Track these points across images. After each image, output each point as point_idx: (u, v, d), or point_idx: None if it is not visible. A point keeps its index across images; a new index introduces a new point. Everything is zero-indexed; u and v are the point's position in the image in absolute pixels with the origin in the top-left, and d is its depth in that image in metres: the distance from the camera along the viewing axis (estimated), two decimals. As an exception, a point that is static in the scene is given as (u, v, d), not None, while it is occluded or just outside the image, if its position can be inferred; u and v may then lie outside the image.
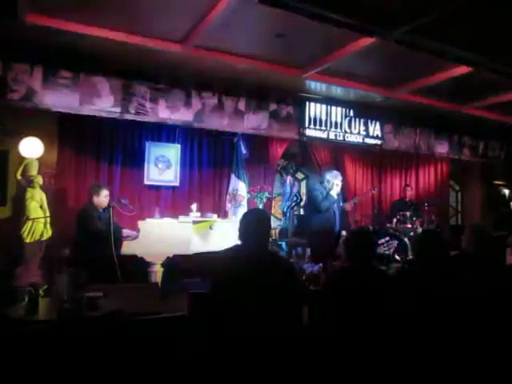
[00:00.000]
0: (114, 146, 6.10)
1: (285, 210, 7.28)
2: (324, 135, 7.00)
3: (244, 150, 6.67)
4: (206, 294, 2.48)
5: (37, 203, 5.23)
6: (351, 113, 7.23)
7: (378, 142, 7.52)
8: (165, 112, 5.84)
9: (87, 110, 5.38)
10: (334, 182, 5.52)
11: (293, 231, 6.76)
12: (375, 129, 7.47)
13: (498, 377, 2.57)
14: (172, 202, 6.47)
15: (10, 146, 5.36)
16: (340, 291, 2.73)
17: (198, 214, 5.87)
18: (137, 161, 6.25)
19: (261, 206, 6.51)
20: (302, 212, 7.54)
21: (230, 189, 6.58)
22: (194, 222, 5.60)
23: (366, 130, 7.38)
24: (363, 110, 7.30)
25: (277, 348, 2.24)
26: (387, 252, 6.46)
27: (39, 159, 5.34)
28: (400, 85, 6.32)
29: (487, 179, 9.46)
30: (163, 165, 6.32)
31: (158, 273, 5.24)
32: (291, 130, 6.82)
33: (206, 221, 5.77)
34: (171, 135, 6.47)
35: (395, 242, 6.56)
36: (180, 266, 5.55)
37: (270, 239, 7.19)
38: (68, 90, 5.25)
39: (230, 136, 6.71)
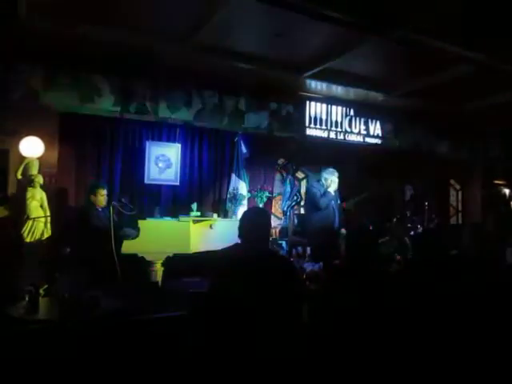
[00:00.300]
0: (114, 146, 6.10)
1: (285, 209, 7.28)
2: (324, 134, 7.00)
3: (244, 150, 6.67)
4: (205, 292, 2.49)
5: (37, 202, 5.23)
6: (351, 112, 7.24)
7: (379, 141, 7.52)
8: (165, 111, 5.84)
9: (87, 110, 5.39)
10: (330, 179, 5.54)
11: (293, 230, 6.76)
12: (376, 128, 7.47)
13: (498, 376, 2.57)
14: (172, 201, 6.47)
15: (11, 146, 5.36)
16: (341, 291, 2.73)
17: (199, 214, 5.87)
18: (137, 160, 6.25)
19: (261, 206, 6.51)
20: (302, 211, 7.54)
21: (231, 188, 6.58)
22: (195, 222, 5.59)
23: (367, 129, 7.38)
24: (364, 110, 7.30)
25: (276, 347, 2.24)
26: (387, 252, 6.46)
27: (40, 159, 5.34)
28: (400, 84, 6.32)
29: (487, 179, 9.46)
30: (163, 164, 6.32)
31: (158, 272, 5.23)
32: (291, 129, 6.82)
33: (206, 220, 5.77)
34: (171, 134, 6.47)
35: (395, 242, 6.56)
36: (180, 265, 5.56)
37: (271, 238, 7.21)
38: (68, 89, 5.25)
39: (230, 135, 6.71)
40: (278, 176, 7.76)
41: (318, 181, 5.70)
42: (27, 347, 2.26)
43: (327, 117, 7.01)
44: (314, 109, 6.92)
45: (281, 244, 6.89)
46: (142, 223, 5.33)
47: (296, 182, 7.90)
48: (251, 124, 6.47)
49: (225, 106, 6.26)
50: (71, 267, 3.18)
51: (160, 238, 5.25)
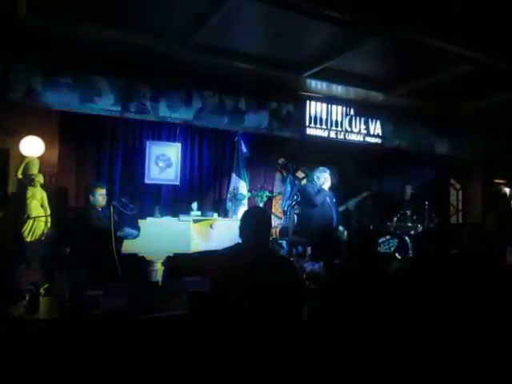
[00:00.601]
0: (114, 145, 6.10)
1: (285, 208, 7.28)
2: (324, 134, 7.00)
3: (244, 149, 6.67)
4: (206, 292, 2.49)
5: (37, 202, 5.23)
6: (352, 111, 7.23)
7: (379, 140, 7.52)
8: (165, 111, 5.85)
9: (88, 109, 5.39)
10: (323, 177, 5.59)
11: (293, 230, 6.76)
12: (376, 127, 7.47)
13: (498, 376, 2.57)
14: (172, 200, 6.47)
15: (11, 145, 5.36)
16: (341, 290, 2.74)
17: (199, 213, 5.87)
18: (137, 160, 6.25)
19: (261, 205, 6.51)
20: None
21: (231, 188, 6.58)
22: (195, 221, 5.60)
23: (367, 128, 7.38)
24: (364, 109, 7.30)
25: (276, 347, 2.24)
26: (388, 251, 6.47)
27: (40, 158, 5.34)
28: (400, 83, 6.31)
29: (488, 178, 9.45)
30: (164, 164, 6.32)
31: (158, 271, 5.24)
32: (292, 128, 6.82)
33: (206, 220, 5.77)
34: (172, 134, 6.47)
35: (395, 241, 6.57)
36: (180, 264, 5.56)
37: (271, 238, 7.24)
38: (68, 88, 5.25)
39: (230, 135, 6.71)
40: (278, 175, 7.76)
41: (311, 181, 5.76)
42: (27, 347, 2.26)
43: (327, 116, 7.01)
44: (314, 108, 6.91)
45: (281, 244, 6.89)
46: (142, 223, 5.33)
47: (296, 182, 7.90)
48: (251, 123, 6.47)
49: (225, 105, 6.26)
50: (71, 266, 3.18)
51: (160, 237, 5.26)
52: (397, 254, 6.44)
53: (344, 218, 6.96)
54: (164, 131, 6.43)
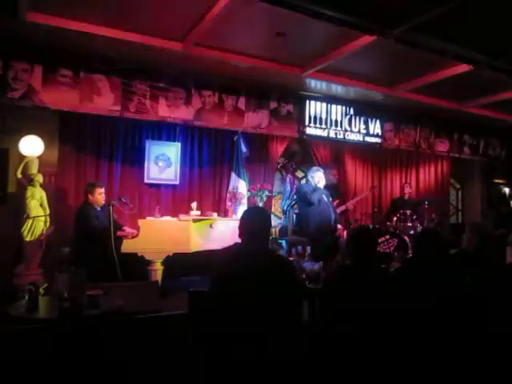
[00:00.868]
0: (114, 145, 6.10)
1: (285, 208, 7.28)
2: (324, 133, 7.00)
3: (244, 149, 6.67)
4: (205, 292, 2.49)
5: (37, 201, 5.23)
6: (351, 111, 7.24)
7: (379, 140, 7.52)
8: (165, 110, 5.84)
9: (87, 109, 5.39)
10: (317, 176, 5.60)
11: (292, 229, 6.76)
12: (375, 127, 7.47)
13: (498, 376, 2.57)
14: (172, 200, 6.46)
15: (10, 145, 5.36)
16: (341, 290, 2.74)
17: (199, 213, 5.87)
18: (137, 159, 6.25)
19: (261, 205, 6.51)
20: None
21: (230, 187, 6.58)
22: (194, 221, 5.60)
23: (367, 128, 7.38)
24: (363, 109, 7.30)
25: (277, 346, 2.24)
26: (387, 250, 6.47)
27: (39, 157, 5.34)
28: (400, 83, 6.32)
29: (488, 177, 9.46)
30: (163, 163, 6.32)
31: (158, 271, 5.24)
32: (291, 128, 6.82)
33: (206, 219, 5.77)
34: (171, 134, 6.47)
35: (395, 241, 6.57)
36: (180, 264, 5.56)
37: (270, 237, 7.21)
38: (68, 88, 5.25)
39: (230, 134, 6.71)
40: (277, 175, 7.76)
41: (307, 181, 5.77)
42: (27, 346, 2.26)
43: (327, 116, 7.01)
44: (314, 108, 6.92)
45: (281, 243, 6.89)
46: (141, 222, 5.33)
47: (296, 181, 7.91)
48: (251, 123, 6.47)
49: (224, 105, 6.26)
50: (71, 266, 3.17)
51: (160, 237, 5.25)
52: (396, 254, 6.44)
53: (344, 217, 6.97)
54: (164, 131, 6.42)
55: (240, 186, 6.55)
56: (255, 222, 2.49)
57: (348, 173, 7.95)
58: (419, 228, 6.85)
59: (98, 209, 5.12)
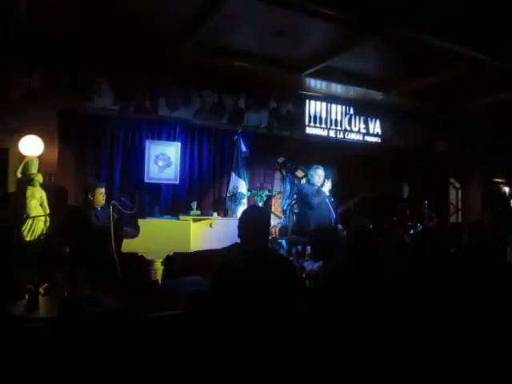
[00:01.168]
0: (114, 144, 6.09)
1: (285, 208, 7.27)
2: (324, 133, 7.01)
3: (244, 148, 6.67)
4: (205, 292, 2.49)
5: (37, 201, 5.23)
6: (351, 110, 7.24)
7: (378, 139, 7.53)
8: (164, 110, 5.84)
9: (87, 108, 5.39)
10: (316, 175, 5.59)
11: (292, 229, 6.76)
12: (375, 126, 7.48)
13: (498, 376, 2.57)
14: (172, 200, 6.47)
15: (11, 145, 5.36)
16: (340, 289, 2.74)
17: (198, 212, 5.88)
18: (137, 159, 6.24)
19: (261, 204, 6.52)
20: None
21: (230, 187, 6.58)
22: (194, 220, 5.60)
23: (366, 127, 7.39)
24: (363, 108, 7.30)
25: (276, 346, 2.24)
26: (387, 250, 6.45)
27: (39, 157, 5.34)
28: (400, 82, 6.31)
29: (487, 177, 9.46)
30: (163, 163, 6.32)
31: (158, 271, 5.24)
32: (291, 127, 6.82)
33: (206, 219, 5.77)
34: (171, 133, 6.46)
35: (395, 241, 6.55)
36: (180, 263, 5.56)
37: (270, 237, 7.21)
38: (68, 87, 5.25)
39: (230, 134, 6.71)
40: (277, 174, 7.76)
41: (309, 180, 5.75)
42: (27, 346, 2.26)
43: (327, 115, 7.02)
44: (314, 107, 6.92)
45: (280, 243, 6.88)
46: (141, 222, 5.34)
47: (296, 181, 7.90)
48: (251, 122, 6.47)
49: (224, 104, 6.26)
50: (71, 266, 3.18)
51: (160, 236, 5.26)
52: (396, 254, 6.43)
53: (343, 217, 6.96)
54: (163, 130, 6.42)
55: (240, 185, 6.55)
56: (254, 221, 2.49)
57: (348, 173, 7.93)
58: (419, 228, 6.84)
59: (99, 208, 5.12)
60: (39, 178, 5.28)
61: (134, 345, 2.46)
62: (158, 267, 5.26)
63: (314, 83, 6.40)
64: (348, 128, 7.19)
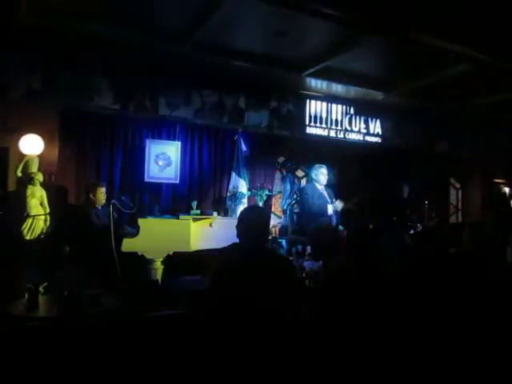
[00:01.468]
0: (114, 144, 6.09)
1: (285, 207, 7.27)
2: (324, 133, 7.01)
3: (244, 148, 6.67)
4: (205, 291, 2.48)
5: (37, 200, 5.23)
6: (352, 110, 7.24)
7: (379, 139, 7.52)
8: (165, 109, 5.84)
9: (87, 107, 5.38)
10: (320, 174, 5.58)
11: (292, 229, 6.76)
12: (376, 126, 7.47)
13: (498, 376, 2.57)
14: (172, 199, 6.47)
15: (11, 143, 5.36)
16: (340, 289, 2.74)
17: (198, 212, 5.87)
18: (137, 158, 6.24)
19: (261, 204, 6.52)
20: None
21: (230, 186, 6.58)
22: (194, 220, 5.60)
23: (367, 127, 7.39)
24: (364, 108, 7.30)
25: (276, 346, 2.24)
26: (387, 250, 6.45)
27: (40, 156, 5.34)
28: (401, 82, 6.31)
29: (488, 177, 9.45)
30: (163, 162, 6.32)
31: (158, 270, 5.23)
32: (291, 127, 6.82)
33: (206, 218, 5.77)
34: (171, 133, 6.46)
35: (395, 241, 6.55)
36: (180, 263, 5.55)
37: (270, 237, 7.20)
38: (68, 87, 5.25)
39: (230, 133, 6.71)
40: (277, 174, 7.76)
41: (311, 180, 5.73)
42: (26, 345, 2.26)
43: (327, 115, 7.02)
44: (314, 107, 6.92)
45: (280, 242, 6.88)
46: (141, 221, 5.33)
47: (296, 181, 7.90)
48: (251, 122, 6.47)
49: (225, 103, 6.26)
50: (71, 265, 3.18)
51: (160, 236, 5.25)
52: (396, 254, 6.43)
53: (344, 217, 6.96)
54: (164, 130, 6.42)
55: (240, 185, 6.55)
56: (253, 221, 2.48)
57: (348, 172, 7.94)
58: (419, 228, 6.84)
59: (99, 208, 5.13)
60: (39, 177, 5.28)
61: (133, 344, 2.46)
62: (158, 266, 5.25)
63: (315, 83, 6.39)
64: (348, 128, 7.19)
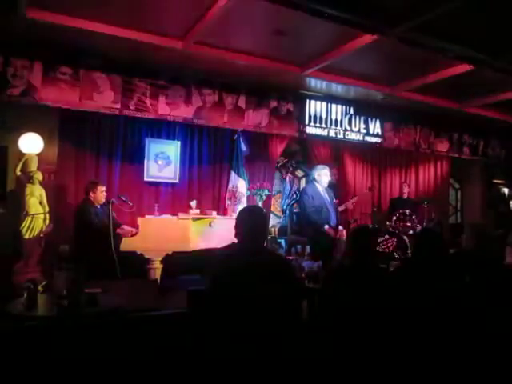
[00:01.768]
0: (113, 143, 6.09)
1: (284, 207, 7.27)
2: (324, 133, 7.00)
3: (244, 147, 6.67)
4: (204, 290, 2.48)
5: (36, 199, 5.23)
6: (351, 110, 7.23)
7: (378, 139, 7.52)
8: (165, 108, 5.84)
9: (87, 106, 5.37)
10: (323, 174, 5.55)
11: (292, 229, 6.76)
12: (375, 126, 7.47)
13: (497, 376, 2.57)
14: (171, 198, 6.46)
15: (10, 142, 5.36)
16: (340, 289, 2.73)
17: (198, 211, 5.87)
18: (137, 157, 6.24)
19: (260, 204, 6.51)
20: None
21: (230, 186, 6.58)
22: (194, 219, 5.60)
23: (367, 127, 7.38)
24: (363, 108, 7.30)
25: (276, 345, 2.24)
26: (386, 250, 6.47)
27: (39, 155, 5.34)
28: (400, 82, 6.31)
29: (487, 178, 9.46)
30: (163, 161, 6.31)
31: (157, 269, 5.24)
32: (291, 127, 6.82)
33: (205, 218, 5.77)
34: (171, 132, 6.46)
35: (394, 240, 6.57)
36: (179, 262, 5.56)
37: (270, 236, 7.20)
38: (68, 85, 5.24)
39: (229, 133, 6.70)
40: (277, 174, 7.76)
41: (312, 180, 5.69)
42: (25, 344, 2.26)
43: (327, 115, 7.01)
44: (314, 107, 6.91)
45: (280, 242, 6.88)
46: (141, 220, 5.33)
47: (295, 181, 7.90)
48: (251, 122, 6.47)
49: (225, 103, 6.25)
50: (70, 264, 3.17)
51: (159, 235, 5.25)
52: (395, 254, 6.44)
53: (343, 217, 6.96)
54: (163, 129, 6.42)
55: (240, 184, 6.55)
56: (251, 221, 2.47)
57: (348, 172, 7.94)
58: (419, 228, 6.85)
59: (98, 207, 5.12)
60: (38, 176, 5.27)
61: (132, 343, 2.46)
62: (157, 266, 5.25)
63: (314, 83, 6.39)
64: (348, 128, 7.19)
